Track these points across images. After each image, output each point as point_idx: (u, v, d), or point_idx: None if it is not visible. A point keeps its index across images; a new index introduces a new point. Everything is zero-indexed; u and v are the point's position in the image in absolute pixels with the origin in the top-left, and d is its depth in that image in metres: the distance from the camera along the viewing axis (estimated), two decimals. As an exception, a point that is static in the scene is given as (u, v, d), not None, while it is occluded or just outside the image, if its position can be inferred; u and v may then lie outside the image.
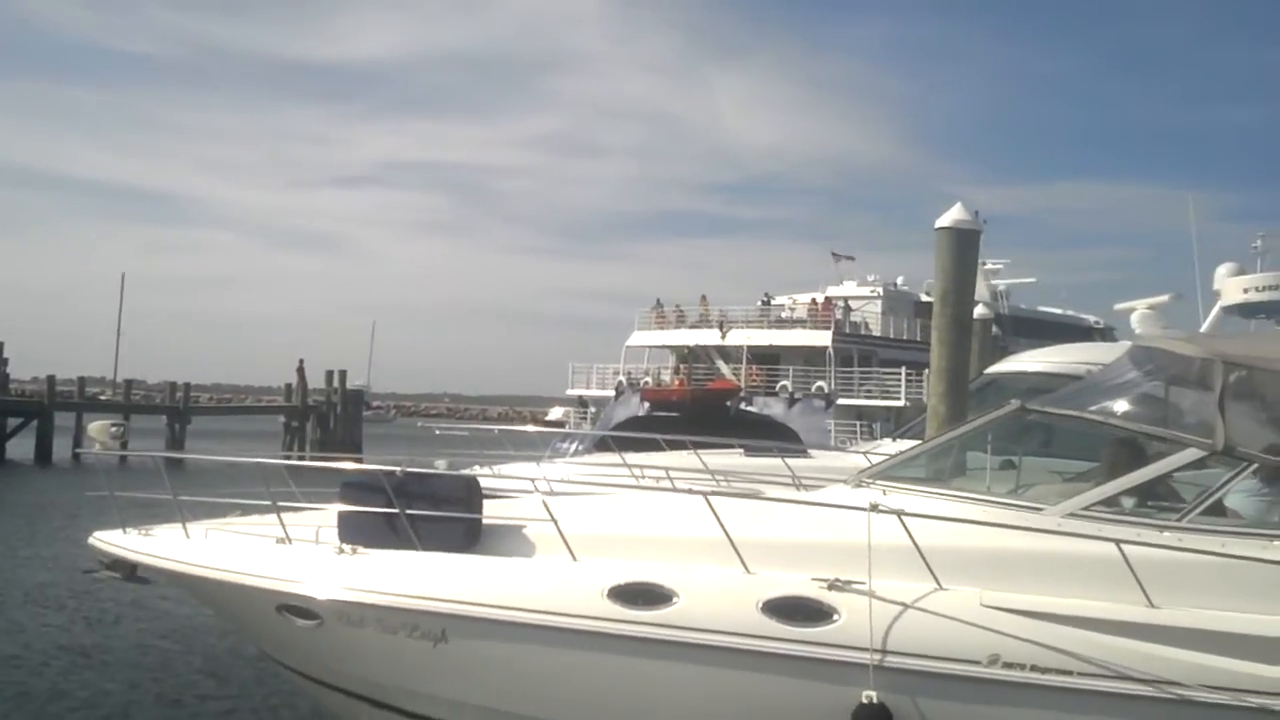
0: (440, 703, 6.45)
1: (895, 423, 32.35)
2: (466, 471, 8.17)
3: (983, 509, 6.02)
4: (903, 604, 5.58)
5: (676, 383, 43.14)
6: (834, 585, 5.68)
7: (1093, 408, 6.69)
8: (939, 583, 5.65)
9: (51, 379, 46.06)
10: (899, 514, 5.66)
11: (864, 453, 12.67)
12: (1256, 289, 24.68)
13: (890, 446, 12.88)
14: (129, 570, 7.24)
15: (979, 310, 18.84)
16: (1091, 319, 51.93)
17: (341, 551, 6.54)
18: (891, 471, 6.82)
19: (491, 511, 6.82)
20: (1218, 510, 5.89)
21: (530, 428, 21.07)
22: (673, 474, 9.67)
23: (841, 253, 50.13)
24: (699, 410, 36.69)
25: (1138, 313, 23.31)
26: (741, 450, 12.56)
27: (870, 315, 45.48)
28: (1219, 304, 25.15)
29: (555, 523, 6.22)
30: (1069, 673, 5.35)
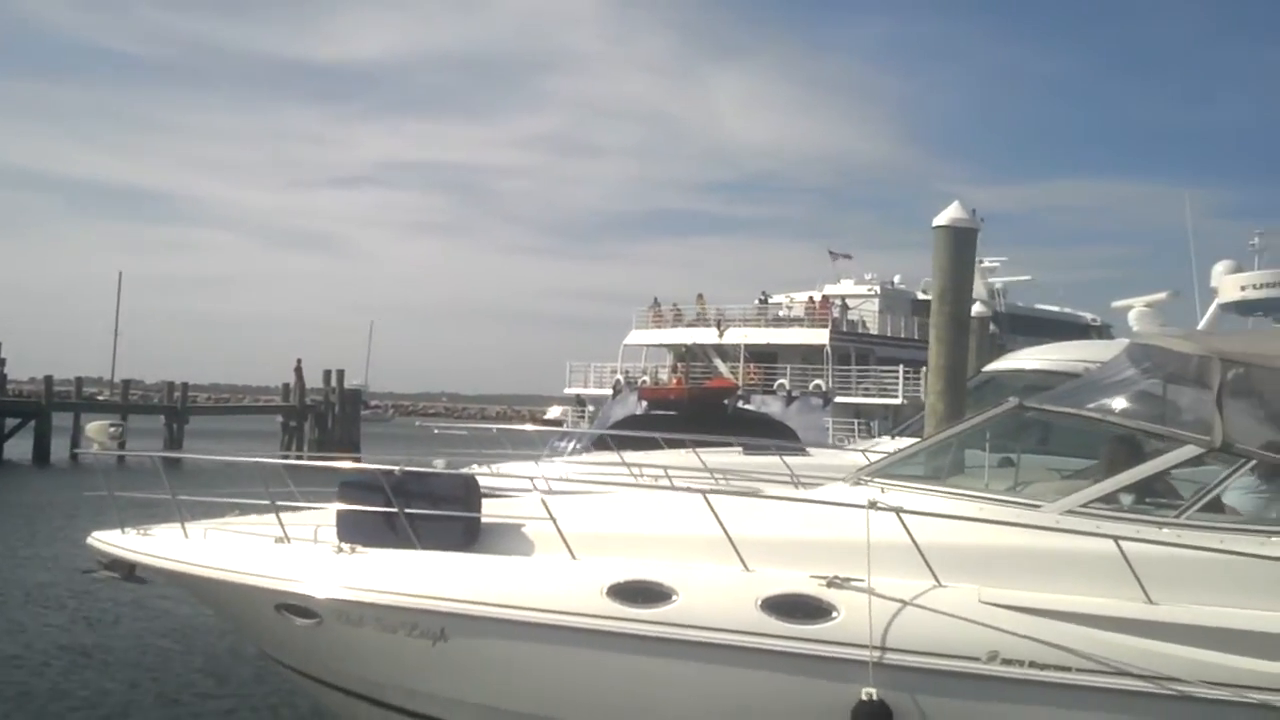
0: (440, 701, 6.45)
1: (893, 421, 32.38)
2: (465, 471, 8.18)
3: (981, 506, 6.03)
4: (902, 601, 5.59)
5: (674, 381, 43.20)
6: (833, 583, 5.69)
7: (1091, 405, 6.70)
8: (938, 580, 5.66)
9: (49, 379, 46.00)
10: (898, 511, 5.66)
11: (862, 451, 12.69)
12: (1254, 286, 24.67)
13: (889, 444, 12.89)
14: (127, 570, 7.24)
15: (977, 308, 18.85)
16: (1089, 316, 52.01)
17: (340, 550, 6.54)
18: (890, 469, 6.82)
19: (490, 510, 6.83)
20: (1216, 507, 5.90)
21: (529, 427, 21.13)
22: (671, 472, 9.68)
23: (839, 251, 50.32)
24: (697, 409, 36.74)
25: (1135, 310, 23.26)
26: (740, 449, 12.57)
27: (868, 313, 45.56)
28: (1216, 301, 25.14)
29: (554, 521, 6.22)
30: (1068, 669, 5.36)
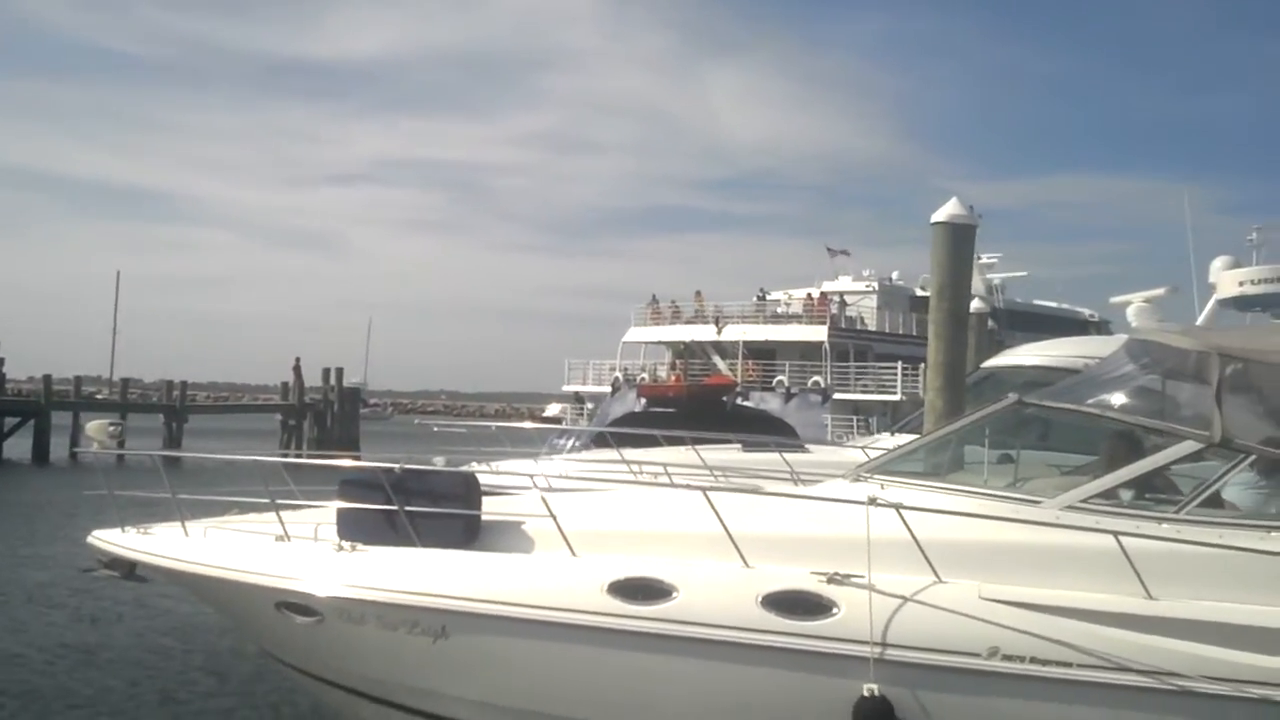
0: (441, 699, 6.46)
1: (891, 417, 32.40)
2: (465, 468, 8.18)
3: (981, 502, 6.04)
4: (902, 597, 5.59)
5: (673, 378, 43.20)
6: (833, 579, 5.70)
7: (1090, 401, 6.71)
8: (938, 576, 5.66)
9: (48, 378, 45.96)
10: (898, 508, 5.67)
11: (862, 447, 12.70)
12: (1252, 282, 24.64)
13: (888, 441, 12.90)
14: (128, 569, 7.24)
15: (975, 304, 18.84)
16: (1087, 312, 52.01)
17: (341, 549, 6.55)
18: (890, 466, 6.84)
19: (490, 508, 6.83)
20: (1215, 502, 5.91)
21: (528, 424, 21.10)
22: (671, 469, 9.69)
23: (837, 248, 50.28)
24: (695, 405, 36.76)
25: (1133, 306, 23.25)
26: (739, 446, 12.58)
27: (866, 310, 45.52)
28: (1214, 297, 25.11)
29: (554, 519, 6.23)
30: (1068, 664, 5.37)
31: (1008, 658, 5.43)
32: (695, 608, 5.78)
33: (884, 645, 5.49)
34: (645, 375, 44.50)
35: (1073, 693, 5.39)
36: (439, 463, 7.51)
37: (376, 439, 51.09)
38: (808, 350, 41.33)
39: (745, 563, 5.89)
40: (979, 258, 39.12)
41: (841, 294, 45.61)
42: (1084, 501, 5.89)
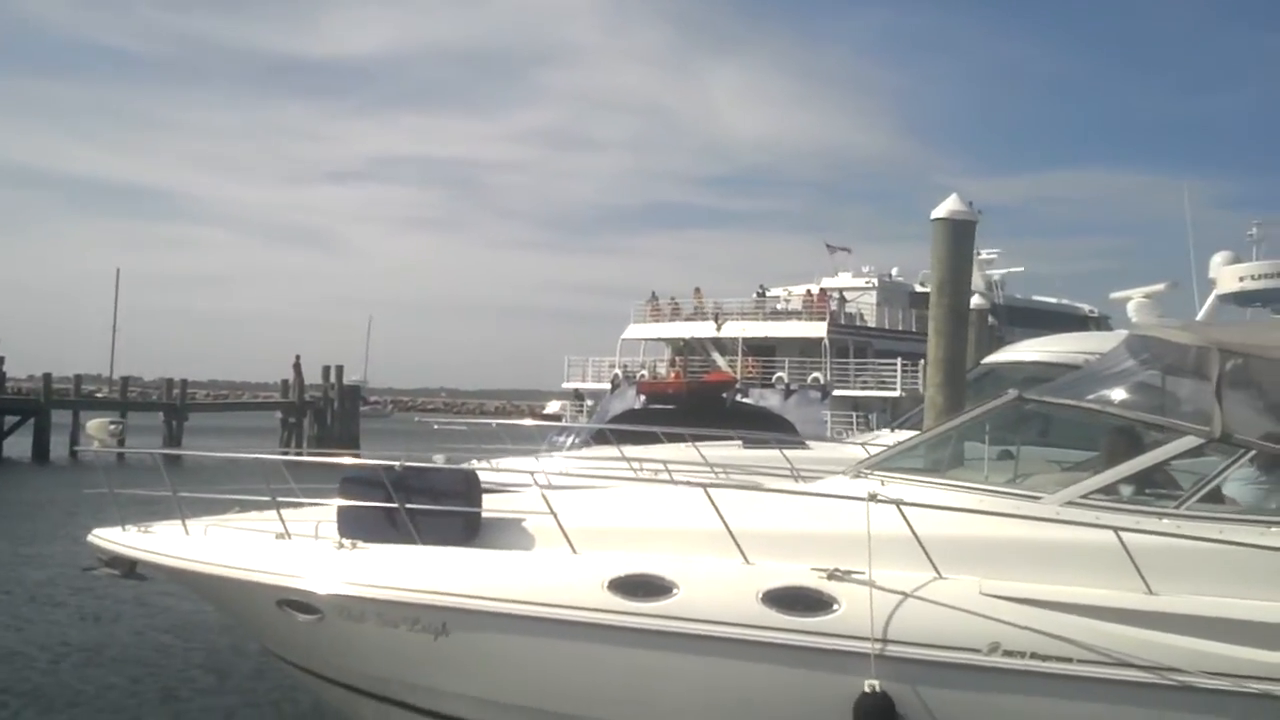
0: (441, 696, 6.46)
1: (891, 413, 32.39)
2: (465, 466, 8.19)
3: (981, 498, 6.04)
4: (903, 593, 5.59)
5: (672, 375, 43.19)
6: (834, 575, 5.70)
7: (1090, 397, 6.71)
8: (938, 572, 5.66)
9: (48, 377, 45.98)
10: (898, 504, 5.67)
11: (862, 444, 12.71)
12: (1252, 277, 24.62)
13: (888, 437, 12.91)
14: (128, 567, 7.24)
15: (975, 300, 18.83)
16: (1086, 308, 51.96)
17: (341, 546, 6.55)
18: (890, 462, 6.83)
19: (491, 505, 6.83)
20: (1215, 497, 5.91)
21: (528, 421, 21.10)
22: (671, 466, 9.70)
23: (837, 244, 50.21)
24: (695, 402, 36.75)
25: (1133, 302, 23.20)
26: (739, 442, 12.59)
27: (865, 306, 45.46)
28: (1214, 292, 25.08)
29: (555, 516, 6.23)
30: (1069, 660, 5.37)
31: (1008, 653, 5.43)
32: (696, 604, 5.78)
33: (885, 641, 5.49)
34: (645, 372, 44.49)
35: (1073, 688, 5.39)
36: (439, 460, 7.54)
37: (376, 437, 51.15)
38: (807, 347, 41.30)
39: (746, 559, 5.89)
40: (979, 253, 39.15)
41: (841, 290, 45.55)
42: (1084, 497, 5.89)
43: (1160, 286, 24.58)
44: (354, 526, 6.60)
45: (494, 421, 14.21)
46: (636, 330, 46.13)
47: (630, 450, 10.94)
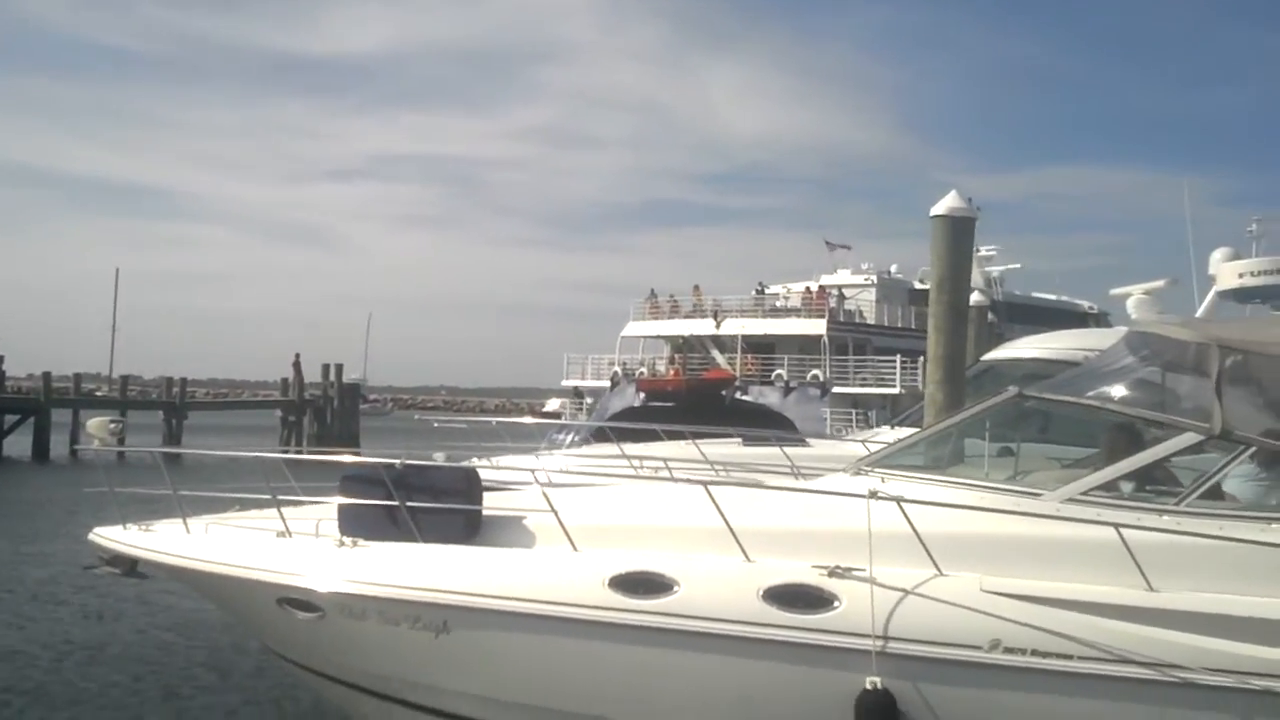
0: (442, 694, 6.46)
1: (890, 410, 32.38)
2: (465, 463, 8.18)
3: (981, 495, 6.04)
4: (903, 590, 5.60)
5: (671, 373, 43.18)
6: (834, 572, 5.70)
7: (1090, 393, 6.71)
8: (939, 569, 5.67)
9: (47, 375, 45.95)
10: (898, 501, 5.67)
11: (862, 441, 12.72)
12: (1252, 274, 24.63)
13: (889, 434, 12.92)
14: (129, 565, 7.24)
15: (975, 297, 18.83)
16: (1086, 304, 51.95)
17: (342, 544, 6.55)
18: (890, 459, 6.84)
19: (491, 503, 6.84)
20: (1215, 494, 5.92)
21: (528, 419, 21.07)
22: (671, 464, 9.70)
23: (837, 242, 50.18)
24: (694, 400, 36.70)
25: (1133, 298, 23.25)
26: (740, 440, 12.59)
27: (864, 303, 45.43)
28: (1214, 289, 25.08)
29: (555, 513, 6.23)
30: (1069, 657, 5.38)
31: (1009, 650, 5.43)
32: (696, 601, 5.78)
33: (886, 638, 5.49)
34: (644, 370, 44.48)
35: (1074, 685, 5.40)
36: (440, 458, 7.52)
37: (376, 435, 51.14)
38: (806, 344, 41.29)
39: (746, 556, 5.89)
40: (978, 250, 39.11)
41: (840, 287, 45.52)
42: (1085, 494, 5.89)
43: (1160, 283, 24.60)
44: (355, 524, 6.61)
45: (494, 419, 14.19)
46: (636, 328, 46.12)
47: (630, 448, 10.94)
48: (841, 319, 42.64)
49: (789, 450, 11.04)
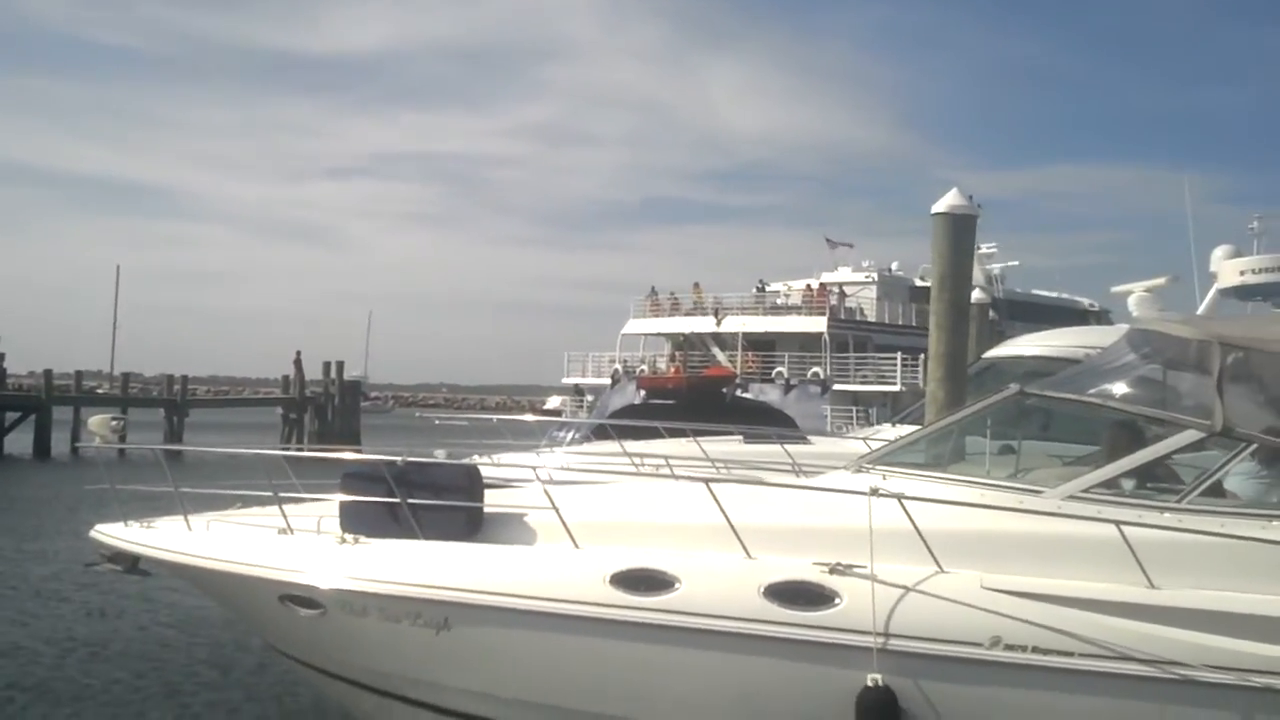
0: (444, 690, 6.47)
1: (891, 408, 32.39)
2: (467, 461, 8.19)
3: (983, 492, 6.04)
4: (904, 587, 5.60)
5: (672, 370, 43.19)
6: (835, 569, 5.70)
7: (1091, 391, 6.71)
8: (940, 566, 5.67)
9: (48, 373, 45.99)
10: (900, 498, 5.67)
11: (864, 438, 12.71)
12: (1253, 271, 24.63)
13: (890, 432, 12.92)
14: (130, 563, 7.25)
15: (976, 295, 18.82)
16: (1087, 302, 51.96)
17: (344, 541, 6.55)
18: (891, 456, 6.83)
19: (493, 500, 6.84)
20: (1217, 491, 5.92)
21: (529, 417, 21.08)
22: (672, 461, 9.70)
23: (838, 239, 50.16)
24: (695, 397, 36.72)
25: (1134, 296, 23.23)
26: (741, 437, 12.59)
27: (865, 301, 45.44)
28: (1215, 286, 25.08)
29: (557, 510, 6.23)
30: (1070, 654, 5.38)
31: (1010, 647, 5.44)
32: (697, 599, 5.79)
33: (887, 635, 5.50)
34: (644, 367, 44.50)
35: (1075, 682, 5.40)
36: (441, 455, 7.53)
37: (377, 432, 51.19)
38: (807, 341, 41.29)
39: (747, 554, 5.89)
40: (979, 248, 39.11)
41: (841, 285, 45.53)
42: (1086, 491, 5.90)
43: (1161, 281, 24.59)
44: (356, 521, 6.62)
45: (495, 417, 14.19)
46: (636, 325, 46.13)
47: (632, 445, 10.93)
48: (842, 316, 42.63)
49: (790, 448, 11.04)
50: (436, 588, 6.17)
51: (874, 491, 5.70)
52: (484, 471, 7.16)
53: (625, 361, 44.90)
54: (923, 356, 20.04)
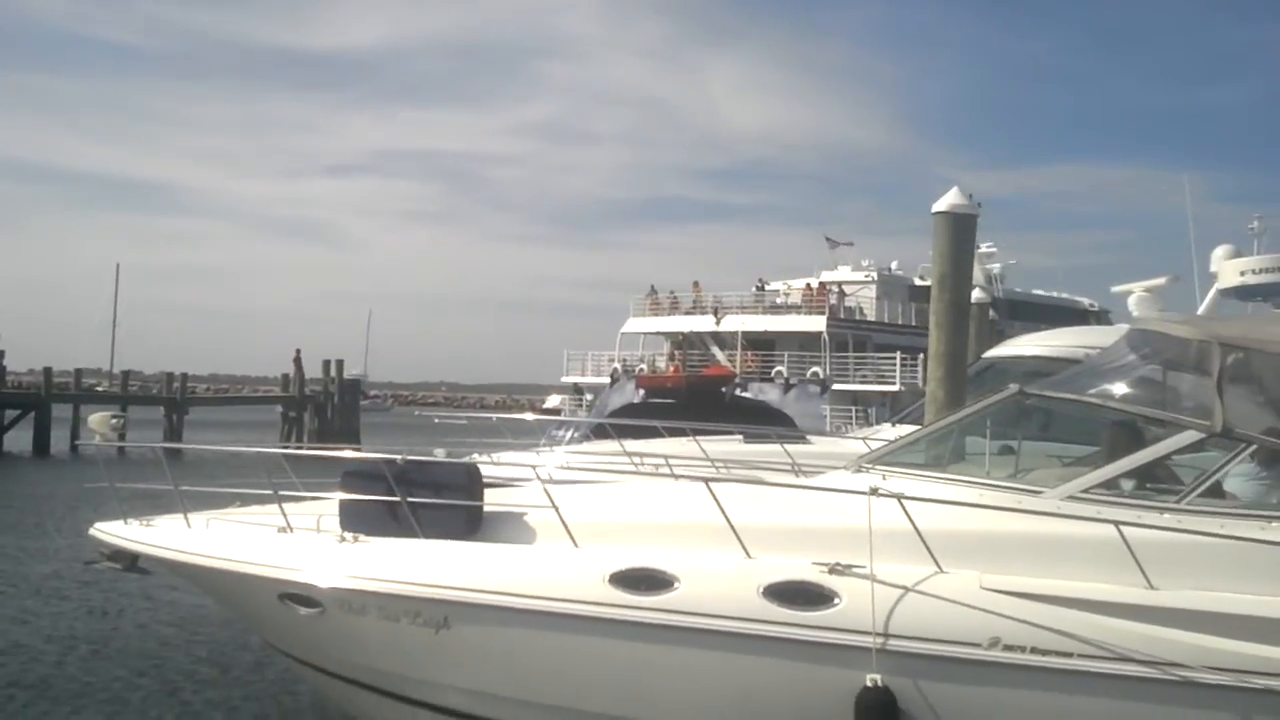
0: (443, 689, 6.47)
1: (890, 407, 32.41)
2: (466, 459, 8.19)
3: (982, 492, 6.05)
4: (904, 588, 5.60)
5: (671, 369, 43.21)
6: (835, 569, 5.71)
7: (1091, 391, 6.71)
8: (940, 566, 5.67)
9: (48, 371, 45.98)
10: (899, 498, 5.68)
11: (864, 438, 12.72)
12: (1253, 271, 24.65)
13: (890, 432, 12.92)
14: (130, 561, 7.25)
15: (976, 294, 18.82)
16: (1087, 302, 51.97)
17: (343, 540, 6.56)
18: (891, 456, 6.84)
19: (492, 499, 6.84)
20: (1216, 492, 5.92)
21: (529, 415, 21.09)
22: (672, 461, 9.70)
23: (838, 239, 50.16)
24: (694, 396, 36.73)
25: (1135, 295, 23.25)
26: (740, 437, 12.59)
27: (865, 300, 45.46)
28: (1215, 286, 25.10)
29: (556, 510, 6.23)
30: (1069, 654, 5.38)
31: (1009, 648, 5.44)
32: (697, 598, 5.79)
33: (886, 635, 5.50)
34: (644, 366, 44.53)
35: (1074, 683, 5.40)
36: (440, 454, 7.52)
37: (377, 431, 51.23)
38: (806, 341, 41.31)
39: (747, 553, 5.90)
40: (979, 247, 39.11)
41: (840, 284, 45.55)
42: (1085, 491, 5.90)
43: (1161, 280, 24.60)
44: (356, 520, 6.62)
45: (494, 416, 14.20)
46: (635, 324, 46.15)
47: (631, 445, 10.94)
48: (842, 316, 42.65)
49: (790, 447, 11.05)
50: (436, 586, 6.17)
51: (873, 491, 5.70)
52: (484, 470, 7.17)
53: (625, 360, 44.93)
54: (922, 356, 20.05)
